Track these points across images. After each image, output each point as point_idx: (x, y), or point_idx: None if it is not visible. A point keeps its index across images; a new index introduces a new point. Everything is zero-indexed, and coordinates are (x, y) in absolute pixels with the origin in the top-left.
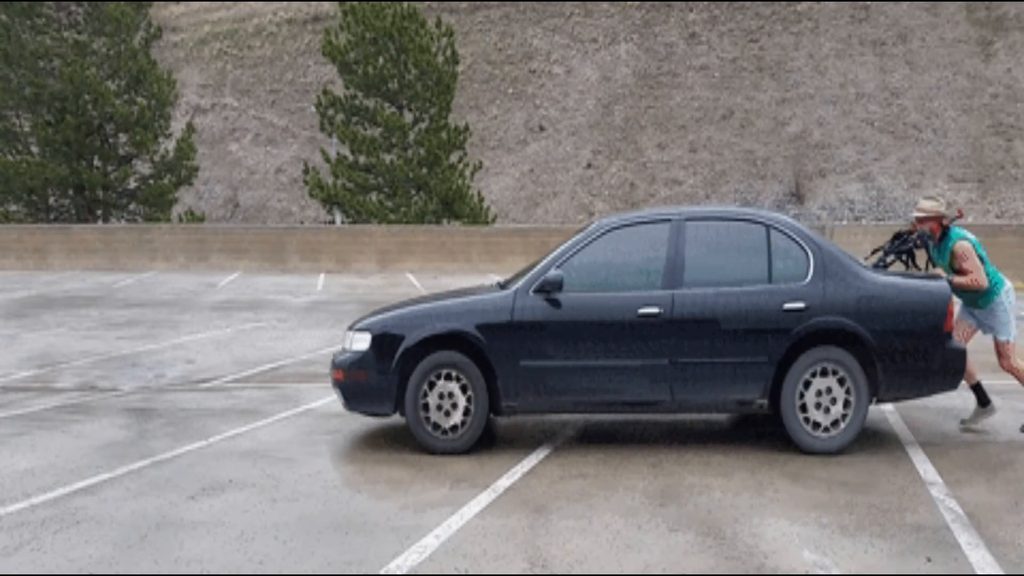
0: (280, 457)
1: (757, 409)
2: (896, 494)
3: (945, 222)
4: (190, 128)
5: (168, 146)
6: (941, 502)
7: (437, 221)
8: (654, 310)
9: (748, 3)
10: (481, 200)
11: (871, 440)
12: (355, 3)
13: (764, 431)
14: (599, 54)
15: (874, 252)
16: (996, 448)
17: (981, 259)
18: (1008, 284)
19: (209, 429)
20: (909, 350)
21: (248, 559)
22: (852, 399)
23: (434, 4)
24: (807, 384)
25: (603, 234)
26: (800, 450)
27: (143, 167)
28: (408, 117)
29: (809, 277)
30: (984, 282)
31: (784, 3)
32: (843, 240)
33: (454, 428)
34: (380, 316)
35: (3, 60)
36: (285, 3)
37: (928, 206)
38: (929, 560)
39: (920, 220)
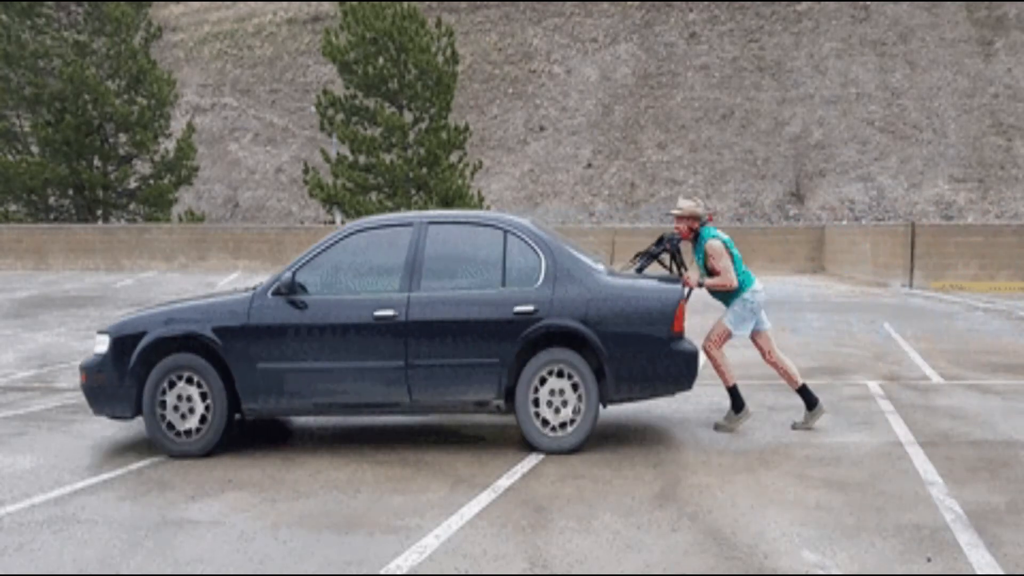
0: (280, 457)
1: (495, 409)
2: (896, 494)
3: (696, 224)
4: (190, 128)
5: (168, 146)
6: (941, 502)
7: None
8: (389, 312)
9: (748, 3)
10: (481, 200)
11: (871, 440)
12: (355, 3)
13: (763, 433)
14: (599, 54)
15: (637, 256)
16: (996, 448)
17: (733, 259)
18: (758, 286)
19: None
20: (637, 352)
21: (248, 559)
22: (582, 400)
23: (434, 4)
24: (541, 384)
25: (347, 236)
26: (535, 449)
27: (143, 167)
28: (408, 117)
29: (540, 281)
30: (733, 282)
31: (784, 3)
32: (842, 240)
33: (189, 432)
34: (122, 319)
35: (3, 60)
36: (285, 3)
37: (685, 205)
38: (929, 560)
39: (677, 219)
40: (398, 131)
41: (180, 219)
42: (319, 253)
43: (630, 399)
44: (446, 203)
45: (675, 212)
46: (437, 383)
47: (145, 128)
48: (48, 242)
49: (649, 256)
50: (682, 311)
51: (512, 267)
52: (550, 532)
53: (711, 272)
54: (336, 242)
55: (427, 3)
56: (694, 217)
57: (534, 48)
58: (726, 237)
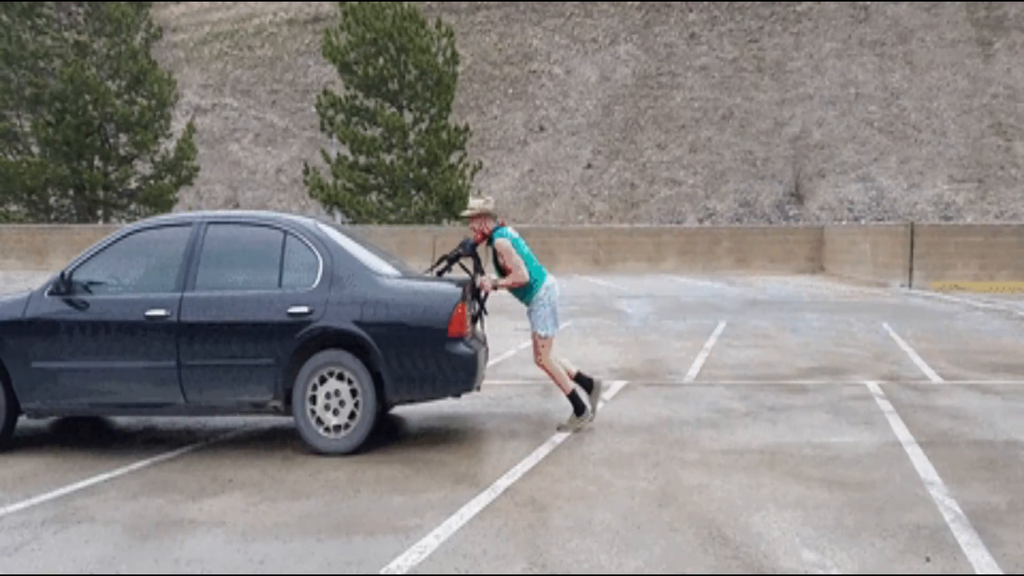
0: (280, 457)
1: (272, 411)
2: (896, 494)
3: (489, 225)
4: (190, 128)
5: (168, 146)
6: (941, 502)
7: (437, 221)
8: (161, 312)
9: (748, 3)
10: None
11: (871, 440)
12: (355, 3)
13: (762, 433)
14: (599, 54)
15: (441, 259)
16: (996, 448)
17: (525, 257)
18: (550, 281)
19: (207, 429)
20: (413, 354)
21: (248, 559)
22: (359, 402)
23: (434, 4)
24: (320, 384)
25: (126, 236)
26: (314, 451)
27: (143, 167)
28: (408, 117)
29: (317, 283)
30: (525, 277)
31: (784, 3)
32: (842, 240)
33: None
34: None
35: (3, 60)
36: (285, 3)
37: (475, 204)
38: (929, 560)
39: (471, 218)
40: (398, 131)
41: None
42: (97, 253)
43: (411, 401)
44: (446, 203)
45: (466, 213)
46: (211, 384)
47: (146, 128)
48: (49, 242)
49: (449, 260)
50: (460, 314)
51: (290, 268)
52: (550, 532)
53: (504, 272)
54: (115, 242)
55: (427, 3)
56: (486, 215)
57: (534, 48)
58: (515, 236)
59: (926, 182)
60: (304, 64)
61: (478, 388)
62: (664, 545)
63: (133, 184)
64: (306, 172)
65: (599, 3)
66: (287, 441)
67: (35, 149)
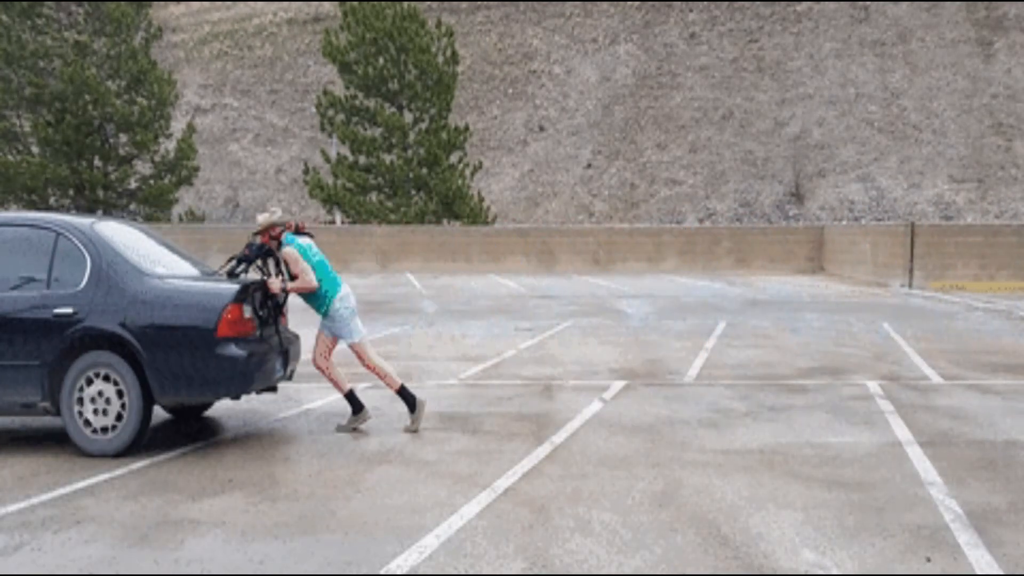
0: (280, 457)
1: (42, 412)
2: (896, 494)
3: (278, 233)
4: (190, 128)
5: (168, 146)
6: (941, 502)
7: (437, 221)
8: None
9: (748, 3)
10: (481, 200)
11: (871, 440)
12: (355, 3)
13: (763, 433)
14: (599, 54)
15: (229, 260)
16: (996, 448)
17: (316, 265)
18: (345, 291)
19: (211, 429)
20: (180, 355)
21: (248, 559)
22: (126, 403)
23: (434, 4)
24: (85, 387)
25: None
26: (82, 452)
27: (143, 167)
28: (408, 117)
29: (84, 283)
30: (312, 284)
31: (784, 3)
32: (842, 240)
33: None
34: None
35: (4, 60)
36: (285, 3)
37: (261, 219)
38: (929, 560)
39: (258, 233)
40: (398, 131)
41: (180, 219)
42: None
43: (180, 402)
44: (446, 203)
45: (254, 230)
46: None
47: (145, 128)
48: None
49: (238, 261)
50: (231, 315)
51: (59, 269)
52: (550, 532)
53: (294, 278)
54: None
55: (427, 3)
56: (269, 228)
57: (534, 48)
58: (304, 244)
59: (926, 182)
60: (304, 64)
61: (274, 388)
62: (664, 545)
63: (133, 184)
64: (306, 172)
65: (599, 3)
66: (287, 441)
67: (35, 149)
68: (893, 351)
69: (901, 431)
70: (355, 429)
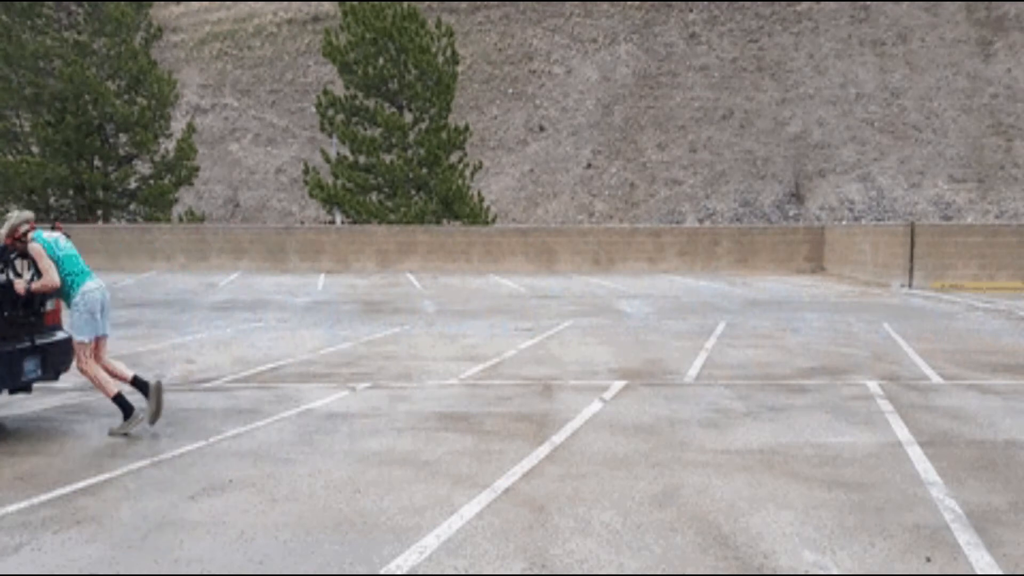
0: (280, 457)
1: None
2: (896, 494)
3: (20, 234)
4: (190, 128)
5: (168, 146)
6: (941, 502)
7: (437, 221)
8: None
9: (748, 3)
10: (481, 200)
11: (871, 440)
12: (355, 3)
13: (762, 433)
14: (599, 54)
15: None
16: (996, 448)
17: (63, 259)
18: (91, 285)
19: (210, 429)
20: None
21: (248, 559)
22: None
23: (434, 4)
24: None
25: None
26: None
27: (143, 167)
28: (408, 117)
29: None
30: (55, 282)
31: (784, 3)
32: (842, 240)
33: None
34: None
35: (3, 60)
36: (285, 3)
37: (2, 232)
38: (929, 560)
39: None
40: (398, 131)
41: (180, 219)
42: None
43: None
44: (446, 203)
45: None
46: None
47: (145, 128)
48: None
49: None
50: None
51: None
52: (550, 532)
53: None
54: None
55: (427, 3)
56: (16, 229)
57: (534, 48)
58: (51, 239)
59: (926, 182)
60: (304, 64)
61: (27, 388)
62: (664, 545)
63: (133, 184)
64: (306, 172)
65: (599, 3)
66: (286, 441)
67: (35, 149)
68: (893, 351)
69: (901, 431)
70: (126, 434)
